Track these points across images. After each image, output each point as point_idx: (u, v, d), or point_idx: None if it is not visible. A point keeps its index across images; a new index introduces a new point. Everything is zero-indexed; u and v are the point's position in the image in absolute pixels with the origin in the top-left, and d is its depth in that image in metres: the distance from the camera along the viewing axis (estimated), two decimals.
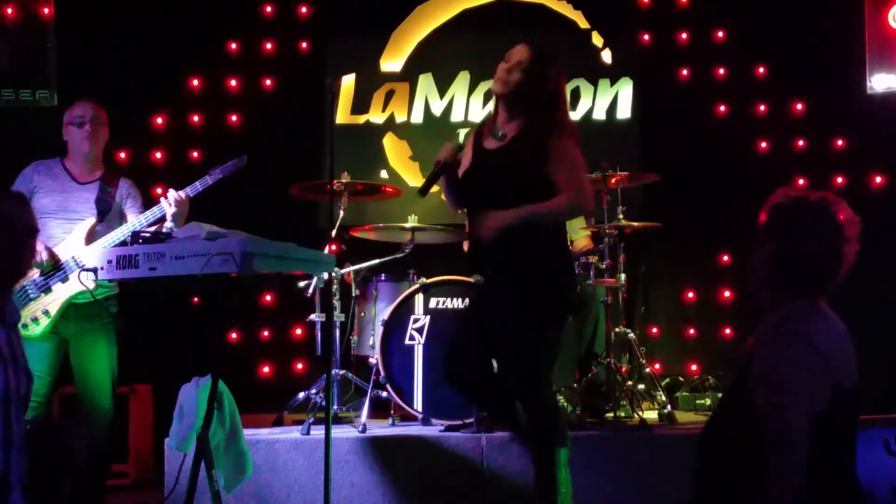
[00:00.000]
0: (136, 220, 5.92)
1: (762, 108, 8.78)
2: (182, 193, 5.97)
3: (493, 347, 5.29)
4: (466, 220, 5.49)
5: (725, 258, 8.70)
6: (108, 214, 6.02)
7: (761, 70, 8.80)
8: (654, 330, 8.64)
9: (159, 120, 8.74)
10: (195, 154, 8.69)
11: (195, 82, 8.79)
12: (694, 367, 8.44)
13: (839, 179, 8.64)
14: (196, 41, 8.75)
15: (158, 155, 8.69)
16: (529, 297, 5.03)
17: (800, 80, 8.72)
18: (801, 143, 8.72)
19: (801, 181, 8.59)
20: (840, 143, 8.69)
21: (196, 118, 8.78)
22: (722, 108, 8.80)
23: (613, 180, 7.09)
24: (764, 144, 8.75)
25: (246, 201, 8.39)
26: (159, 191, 7.71)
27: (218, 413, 5.04)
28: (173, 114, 8.81)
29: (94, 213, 5.96)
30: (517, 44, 5.27)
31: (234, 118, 8.79)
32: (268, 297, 8.49)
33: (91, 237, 5.87)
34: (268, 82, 8.82)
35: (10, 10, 8.52)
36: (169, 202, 5.89)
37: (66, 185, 6.01)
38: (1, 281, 3.80)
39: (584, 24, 8.82)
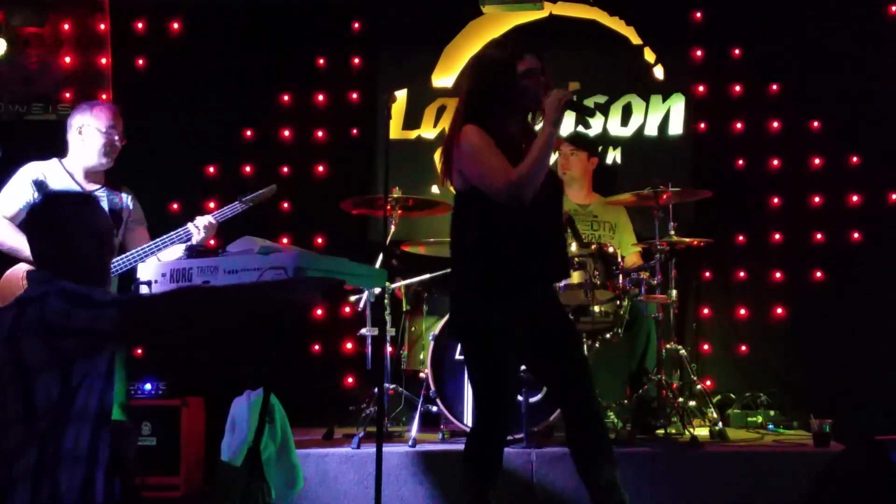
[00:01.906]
0: (159, 239, 5.87)
1: (815, 124, 8.70)
2: (211, 219, 5.97)
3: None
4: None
5: (778, 275, 8.62)
6: (121, 225, 5.97)
7: (815, 86, 8.72)
8: (706, 347, 8.59)
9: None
10: (248, 168, 8.73)
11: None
12: (746, 385, 8.36)
13: (894, 196, 8.57)
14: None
15: (211, 170, 8.76)
16: None
17: (850, 93, 8.64)
18: (854, 159, 8.65)
19: (854, 198, 8.54)
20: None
21: (248, 132, 8.82)
22: (775, 124, 8.73)
23: (665, 196, 7.07)
24: (817, 161, 8.67)
25: (300, 216, 8.47)
26: (211, 205, 7.79)
27: (269, 426, 5.07)
28: None
29: None
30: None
31: (286, 133, 8.82)
32: (318, 311, 8.51)
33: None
34: (320, 98, 8.84)
35: (66, 26, 8.63)
36: (197, 227, 5.89)
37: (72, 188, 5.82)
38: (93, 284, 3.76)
39: (636, 39, 8.80)
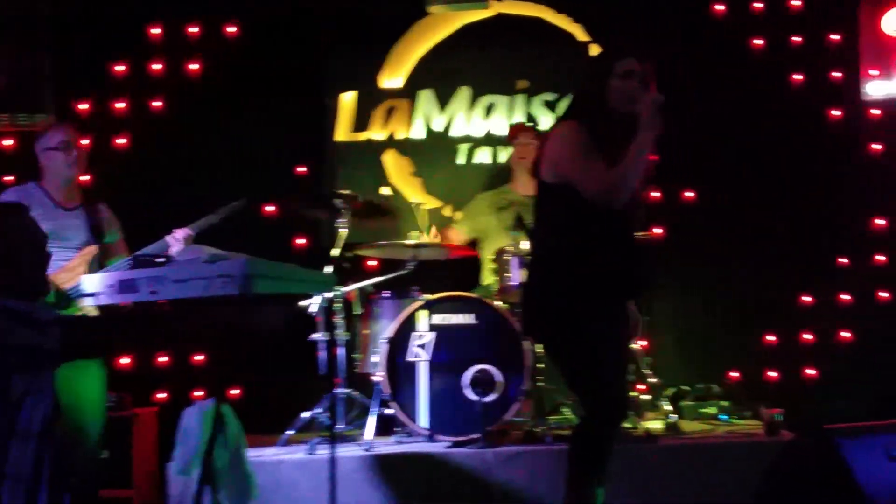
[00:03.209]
0: (138, 253, 5.87)
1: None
2: (189, 230, 6.02)
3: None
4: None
5: (731, 267, 8.67)
6: (101, 240, 6.03)
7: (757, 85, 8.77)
8: (659, 340, 8.61)
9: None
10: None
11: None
12: (698, 376, 8.40)
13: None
14: None
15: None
16: None
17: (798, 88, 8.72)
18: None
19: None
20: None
21: None
22: (728, 117, 8.77)
23: None
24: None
25: (248, 222, 8.41)
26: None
27: (221, 436, 5.04)
28: None
29: (89, 239, 5.96)
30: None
31: None
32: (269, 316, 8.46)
33: (94, 265, 5.86)
34: (270, 104, 8.79)
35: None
36: (176, 238, 5.94)
37: (53, 211, 5.92)
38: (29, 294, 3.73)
39: (583, 36, 8.81)
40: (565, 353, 4.95)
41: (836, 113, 8.64)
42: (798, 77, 8.69)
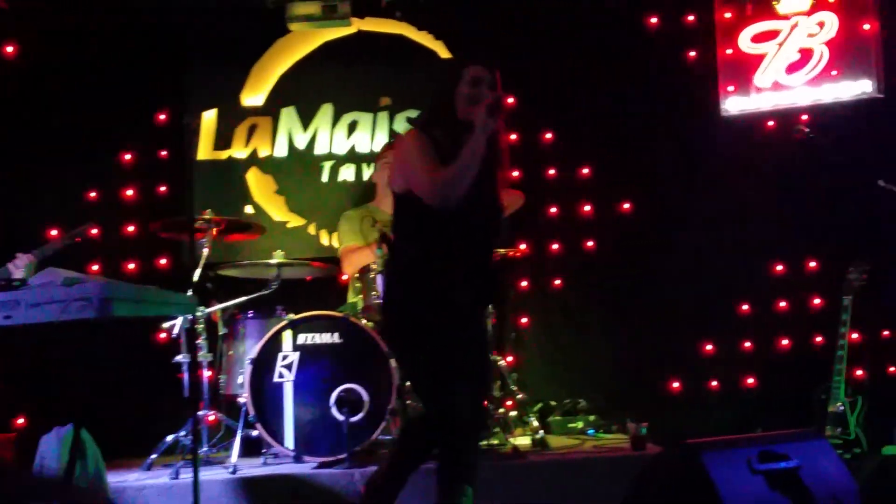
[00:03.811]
0: None
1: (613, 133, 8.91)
2: (31, 256, 5.91)
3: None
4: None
5: (594, 283, 8.76)
6: None
7: (624, 98, 8.90)
8: (525, 356, 8.67)
9: None
10: (52, 196, 8.49)
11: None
12: (565, 392, 8.47)
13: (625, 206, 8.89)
14: None
15: None
16: None
17: (655, 108, 8.86)
18: (658, 166, 8.86)
19: (625, 205, 8.82)
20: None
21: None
22: (582, 131, 8.87)
23: None
24: (624, 167, 8.86)
25: (110, 242, 8.27)
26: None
27: (81, 463, 4.94)
28: None
29: None
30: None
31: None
32: (133, 339, 8.32)
33: None
34: (127, 119, 8.65)
35: None
36: (17, 266, 5.82)
37: None
38: None
39: (445, 53, 8.85)
40: (410, 363, 4.97)
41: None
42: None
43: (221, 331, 7.13)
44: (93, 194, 8.45)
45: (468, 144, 4.63)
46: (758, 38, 8.58)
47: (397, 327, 4.93)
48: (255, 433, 6.77)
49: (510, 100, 8.52)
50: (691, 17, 8.90)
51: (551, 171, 8.87)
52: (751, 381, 8.49)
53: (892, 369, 8.30)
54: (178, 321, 6.76)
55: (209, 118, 8.70)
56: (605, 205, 8.84)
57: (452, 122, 4.82)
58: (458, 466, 4.73)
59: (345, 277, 7.71)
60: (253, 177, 8.72)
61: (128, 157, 8.58)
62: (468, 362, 4.85)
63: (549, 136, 8.92)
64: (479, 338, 5.01)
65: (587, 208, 8.82)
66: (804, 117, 8.32)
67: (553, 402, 8.31)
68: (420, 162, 4.74)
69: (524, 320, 8.75)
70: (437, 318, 4.76)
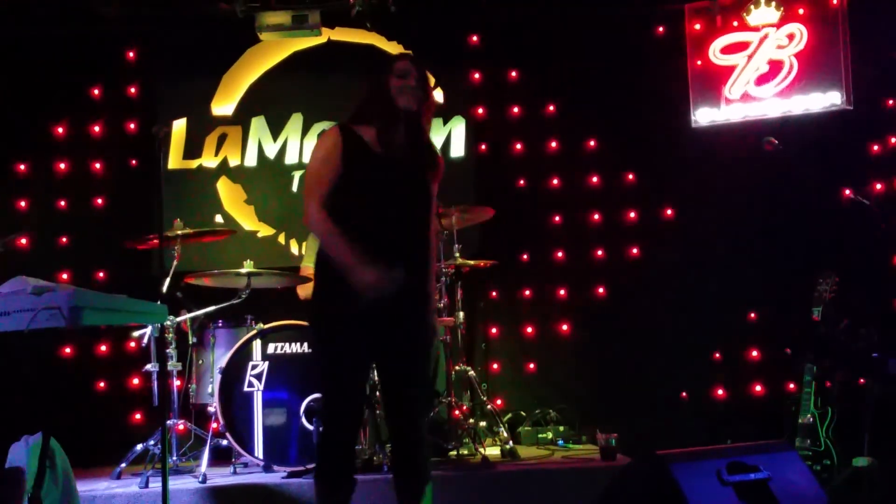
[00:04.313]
0: None
1: (592, 143, 8.91)
2: None
3: None
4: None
5: (562, 293, 8.78)
6: None
7: (591, 106, 8.92)
8: (495, 366, 8.69)
9: None
10: (22, 203, 8.48)
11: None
12: (535, 402, 8.48)
13: (668, 212, 8.83)
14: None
15: None
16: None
17: (626, 121, 8.88)
18: (630, 176, 8.88)
19: (631, 214, 8.79)
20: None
21: (22, 166, 8.57)
22: (553, 143, 8.91)
23: (451, 219, 7.12)
24: (595, 179, 8.88)
25: (79, 251, 8.25)
26: None
27: (50, 472, 4.90)
28: None
29: None
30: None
31: (62, 165, 8.60)
32: (103, 348, 8.32)
33: None
34: (96, 128, 8.64)
35: None
36: None
37: None
38: None
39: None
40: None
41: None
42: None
43: (191, 340, 7.10)
44: (62, 203, 8.46)
45: (340, 254, 4.57)
46: (727, 50, 8.62)
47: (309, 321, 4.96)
48: (224, 442, 6.76)
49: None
50: (661, 29, 8.94)
51: (521, 182, 8.89)
52: (720, 392, 8.51)
53: (862, 381, 8.33)
54: (148, 330, 6.73)
55: (179, 127, 8.68)
56: (572, 215, 8.87)
57: (389, 111, 4.82)
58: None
59: None
60: (223, 186, 8.70)
61: (97, 165, 8.59)
62: (376, 359, 4.84)
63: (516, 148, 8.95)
64: (404, 335, 4.93)
65: (557, 219, 8.85)
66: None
67: (523, 413, 8.32)
68: (312, 176, 4.73)
69: (494, 330, 8.76)
70: (326, 326, 4.71)
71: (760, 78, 8.54)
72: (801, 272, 7.69)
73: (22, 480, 3.74)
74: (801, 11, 8.51)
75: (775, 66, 8.51)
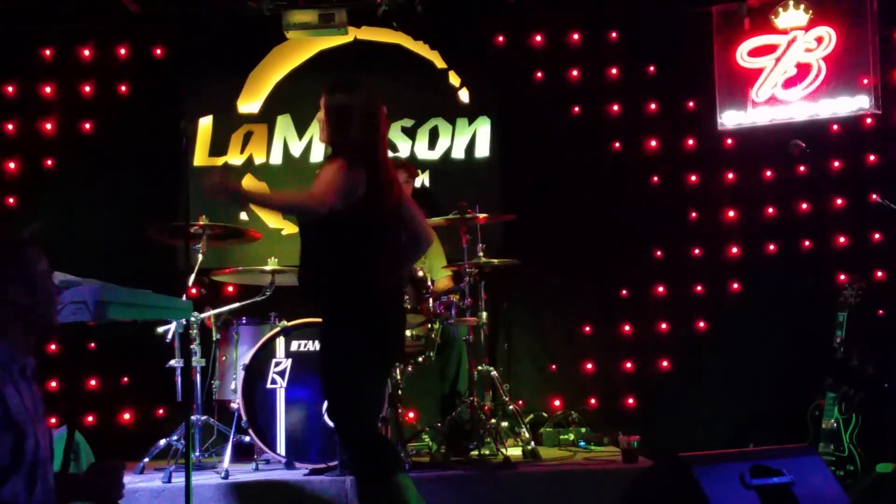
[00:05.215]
0: None
1: (616, 144, 8.89)
2: None
3: None
4: None
5: (587, 292, 8.76)
6: None
7: (615, 108, 8.90)
8: (518, 367, 8.67)
9: (12, 164, 8.56)
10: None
11: (48, 124, 8.64)
12: (557, 403, 8.48)
13: (693, 214, 8.79)
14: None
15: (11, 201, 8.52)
16: (325, 332, 5.17)
17: (653, 118, 8.87)
18: (655, 179, 8.86)
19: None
20: (693, 178, 8.84)
21: (50, 161, 8.61)
22: (579, 145, 8.89)
23: (474, 219, 7.12)
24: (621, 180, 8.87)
25: (105, 247, 8.26)
26: None
27: (74, 465, 4.92)
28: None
29: None
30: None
31: (89, 164, 8.63)
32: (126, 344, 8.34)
33: None
34: (125, 128, 8.65)
35: None
36: None
37: None
38: (30, 336, 3.53)
39: (440, 63, 8.84)
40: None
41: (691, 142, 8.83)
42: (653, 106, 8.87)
43: (215, 336, 7.11)
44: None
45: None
46: (755, 53, 8.57)
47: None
48: (247, 439, 6.78)
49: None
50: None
51: (546, 182, 8.87)
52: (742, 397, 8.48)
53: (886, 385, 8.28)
54: (173, 326, 6.76)
55: (205, 125, 8.70)
56: (596, 214, 8.87)
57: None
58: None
59: None
60: (248, 183, 8.71)
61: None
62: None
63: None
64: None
65: (582, 218, 8.83)
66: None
67: (545, 414, 8.31)
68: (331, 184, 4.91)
69: (517, 330, 8.74)
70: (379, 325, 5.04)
71: (788, 81, 8.49)
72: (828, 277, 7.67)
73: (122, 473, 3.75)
74: (830, 15, 8.45)
75: (803, 70, 8.46)
